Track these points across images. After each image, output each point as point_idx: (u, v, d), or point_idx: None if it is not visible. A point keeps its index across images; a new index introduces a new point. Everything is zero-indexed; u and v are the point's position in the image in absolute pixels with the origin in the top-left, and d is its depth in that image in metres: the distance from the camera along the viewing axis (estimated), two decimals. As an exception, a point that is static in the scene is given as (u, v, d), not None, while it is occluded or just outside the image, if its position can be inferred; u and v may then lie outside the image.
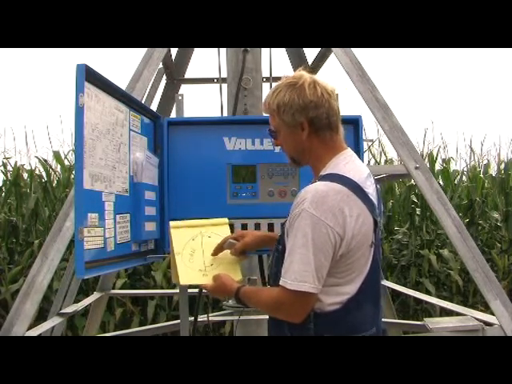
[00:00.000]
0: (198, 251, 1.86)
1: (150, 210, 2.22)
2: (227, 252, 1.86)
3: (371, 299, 1.59)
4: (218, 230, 1.94)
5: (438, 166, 6.56)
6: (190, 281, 1.84)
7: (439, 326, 2.55)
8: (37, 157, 6.33)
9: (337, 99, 1.64)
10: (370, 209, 1.52)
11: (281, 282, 1.49)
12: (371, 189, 1.57)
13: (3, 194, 6.22)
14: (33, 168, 6.32)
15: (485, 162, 7.20)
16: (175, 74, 4.08)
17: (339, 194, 1.47)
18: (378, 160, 6.74)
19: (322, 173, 1.58)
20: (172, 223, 1.93)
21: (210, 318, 3.57)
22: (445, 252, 5.65)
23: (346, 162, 1.59)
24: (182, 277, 1.81)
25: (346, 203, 1.47)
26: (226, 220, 1.99)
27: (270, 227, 2.40)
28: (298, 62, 4.02)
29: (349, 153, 1.64)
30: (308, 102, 1.56)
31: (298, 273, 1.45)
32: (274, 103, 1.60)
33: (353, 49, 2.76)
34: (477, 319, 2.59)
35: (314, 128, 1.58)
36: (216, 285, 1.73)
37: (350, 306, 1.53)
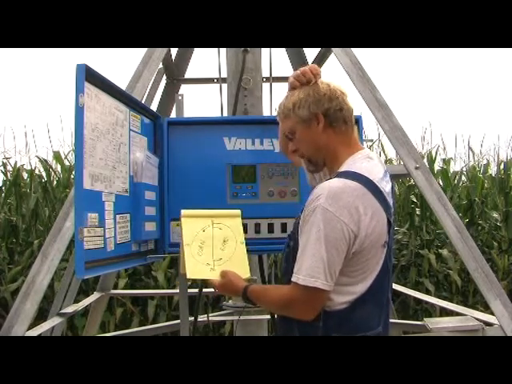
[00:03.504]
0: (207, 243, 1.82)
1: (150, 210, 2.22)
2: (237, 247, 1.84)
3: (377, 299, 1.59)
4: (229, 221, 1.90)
5: (437, 167, 6.57)
6: (198, 275, 1.79)
7: (439, 325, 2.55)
8: (37, 156, 6.34)
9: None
10: (385, 208, 1.53)
11: (293, 279, 1.48)
12: (387, 188, 1.57)
13: (3, 194, 6.21)
14: (33, 168, 6.32)
15: (484, 162, 7.20)
16: (175, 74, 4.08)
17: (355, 192, 1.47)
18: (378, 160, 6.72)
19: (338, 171, 1.58)
20: (184, 212, 1.89)
21: (210, 318, 3.58)
22: (444, 252, 5.66)
23: (363, 161, 1.59)
24: (190, 270, 1.76)
25: (361, 201, 1.47)
26: (238, 212, 1.95)
27: (270, 227, 2.41)
28: (297, 62, 4.02)
29: (366, 152, 1.65)
30: (322, 94, 1.61)
31: (311, 269, 1.45)
32: (289, 103, 1.64)
33: (353, 49, 2.76)
34: (477, 319, 2.59)
35: (329, 120, 1.60)
36: (223, 282, 1.71)
37: (357, 305, 1.54)
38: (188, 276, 1.76)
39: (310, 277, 1.45)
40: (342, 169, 1.58)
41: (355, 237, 1.47)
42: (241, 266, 1.79)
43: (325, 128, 1.60)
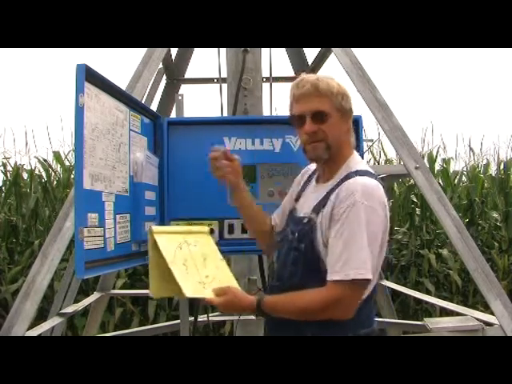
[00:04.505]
0: (189, 261, 1.67)
1: (150, 210, 2.22)
2: (218, 264, 1.74)
3: (374, 294, 1.65)
4: (200, 239, 1.80)
5: (437, 166, 6.56)
6: (197, 293, 1.60)
7: (439, 325, 2.55)
8: (36, 157, 6.33)
9: None
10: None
11: (336, 277, 1.49)
12: None
13: (3, 194, 6.21)
14: (33, 168, 6.32)
15: (484, 161, 7.20)
16: (175, 74, 4.08)
17: (380, 189, 1.57)
18: (378, 160, 6.73)
19: (349, 170, 1.63)
20: (154, 228, 1.74)
21: (210, 318, 3.57)
22: (444, 252, 5.66)
23: (361, 161, 1.71)
24: (187, 289, 1.58)
25: (384, 197, 1.56)
26: (206, 228, 1.87)
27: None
28: (297, 61, 4.02)
29: (356, 152, 1.73)
30: (351, 98, 1.70)
31: (360, 263, 1.48)
32: (333, 87, 1.63)
33: (353, 49, 2.75)
34: (477, 319, 2.59)
35: (351, 121, 1.71)
36: (228, 299, 1.59)
37: (367, 301, 1.59)
38: (188, 295, 1.59)
39: (362, 270, 1.48)
40: (351, 168, 1.63)
41: (386, 229, 1.55)
42: (230, 284, 1.67)
43: (349, 126, 1.70)
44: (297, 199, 1.78)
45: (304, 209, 1.69)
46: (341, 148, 1.66)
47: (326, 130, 1.62)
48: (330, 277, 1.51)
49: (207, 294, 1.59)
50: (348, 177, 1.59)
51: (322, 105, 1.62)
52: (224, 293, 1.59)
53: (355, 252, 1.48)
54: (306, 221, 1.63)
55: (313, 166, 1.82)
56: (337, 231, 1.52)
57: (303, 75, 1.67)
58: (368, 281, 1.50)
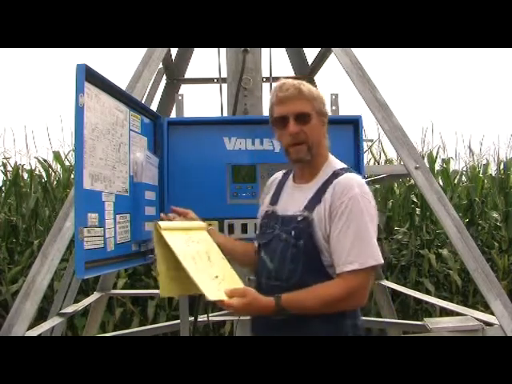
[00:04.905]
0: (197, 260, 1.60)
1: (150, 210, 2.22)
2: (221, 263, 1.68)
3: None
4: (200, 234, 1.76)
5: (437, 167, 6.55)
6: (217, 296, 1.50)
7: (439, 325, 2.55)
8: (36, 157, 6.33)
9: None
10: None
11: (354, 266, 1.56)
12: None
13: (3, 194, 6.21)
14: (33, 168, 6.32)
15: (484, 161, 7.19)
16: (175, 74, 4.08)
17: (366, 184, 1.68)
18: (378, 160, 6.73)
19: (333, 168, 1.72)
20: (163, 224, 1.67)
21: (210, 318, 3.57)
22: (444, 252, 5.65)
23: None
24: (208, 292, 1.49)
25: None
26: (204, 224, 1.84)
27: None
28: (297, 61, 4.02)
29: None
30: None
31: (375, 249, 1.60)
32: (311, 92, 1.72)
33: (353, 49, 2.76)
34: (477, 319, 2.59)
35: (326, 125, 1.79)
36: (247, 302, 1.52)
37: None
38: (211, 298, 1.48)
39: (376, 256, 1.59)
40: (336, 166, 1.73)
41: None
42: (237, 283, 1.60)
43: (326, 129, 1.77)
44: (273, 203, 1.84)
45: (291, 208, 1.73)
46: (320, 149, 1.74)
47: (307, 132, 1.70)
48: (343, 268, 1.58)
49: (224, 295, 1.51)
50: (335, 174, 1.68)
51: (305, 107, 1.70)
52: (242, 295, 1.53)
53: (368, 240, 1.58)
54: (300, 218, 1.66)
55: (279, 175, 1.92)
56: (343, 225, 1.59)
57: (283, 80, 1.74)
58: (379, 266, 1.60)
